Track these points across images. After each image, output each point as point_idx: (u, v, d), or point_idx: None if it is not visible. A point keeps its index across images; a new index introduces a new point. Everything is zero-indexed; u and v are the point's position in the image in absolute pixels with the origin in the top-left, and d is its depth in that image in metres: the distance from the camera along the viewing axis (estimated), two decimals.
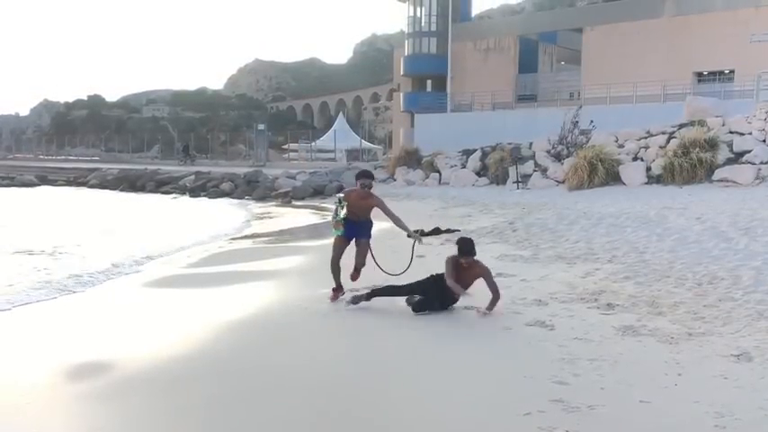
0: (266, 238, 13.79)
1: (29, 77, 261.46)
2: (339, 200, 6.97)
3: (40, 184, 34.62)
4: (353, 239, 7.11)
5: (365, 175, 7.14)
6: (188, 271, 9.79)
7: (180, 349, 5.61)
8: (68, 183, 35.79)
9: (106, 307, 7.48)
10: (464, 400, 4.28)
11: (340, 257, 7.06)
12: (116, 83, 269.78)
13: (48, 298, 7.79)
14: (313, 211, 20.48)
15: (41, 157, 61.80)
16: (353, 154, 49.60)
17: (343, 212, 6.89)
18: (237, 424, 3.99)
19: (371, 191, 7.06)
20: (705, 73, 33.35)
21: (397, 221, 7.10)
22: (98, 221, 17.28)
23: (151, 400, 4.44)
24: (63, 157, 59.19)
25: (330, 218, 7.02)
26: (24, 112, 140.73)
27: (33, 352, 5.60)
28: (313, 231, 14.75)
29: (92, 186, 33.60)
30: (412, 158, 26.90)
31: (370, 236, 7.19)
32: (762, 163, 15.57)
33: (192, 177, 30.67)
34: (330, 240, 7.39)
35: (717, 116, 18.12)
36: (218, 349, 5.58)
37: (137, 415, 4.21)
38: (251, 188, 27.27)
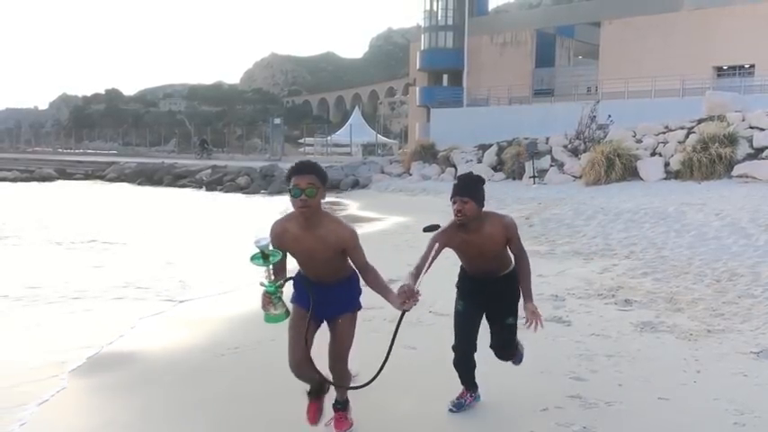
0: None
1: (48, 72, 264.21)
2: (262, 251, 3.20)
3: (59, 178, 34.93)
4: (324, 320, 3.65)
5: (303, 170, 3.29)
6: None
7: (200, 341, 5.65)
8: (86, 176, 36.09)
9: None
10: (481, 395, 4.27)
11: (307, 350, 3.50)
12: (133, 77, 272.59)
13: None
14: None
15: (60, 150, 62.35)
16: (369, 148, 49.66)
17: (270, 280, 3.28)
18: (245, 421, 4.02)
19: (318, 203, 3.29)
20: (725, 67, 32.96)
21: (375, 284, 3.44)
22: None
23: (170, 391, 4.49)
24: (81, 151, 59.74)
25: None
26: (43, 105, 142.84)
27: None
28: None
29: (109, 180, 33.87)
30: (428, 153, 26.84)
31: (357, 305, 3.67)
32: None
33: (209, 171, 30.82)
34: None
35: (736, 111, 17.91)
36: (236, 343, 5.61)
37: (154, 406, 4.26)
38: (267, 182, 27.36)
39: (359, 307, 3.67)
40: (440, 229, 3.78)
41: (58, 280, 8.40)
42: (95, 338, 5.76)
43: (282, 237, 3.37)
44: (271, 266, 3.21)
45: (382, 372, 3.47)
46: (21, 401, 4.32)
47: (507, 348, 4.03)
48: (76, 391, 4.59)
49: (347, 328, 3.62)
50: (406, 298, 3.25)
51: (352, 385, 3.68)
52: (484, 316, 3.97)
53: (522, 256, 3.87)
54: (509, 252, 3.92)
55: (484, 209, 3.81)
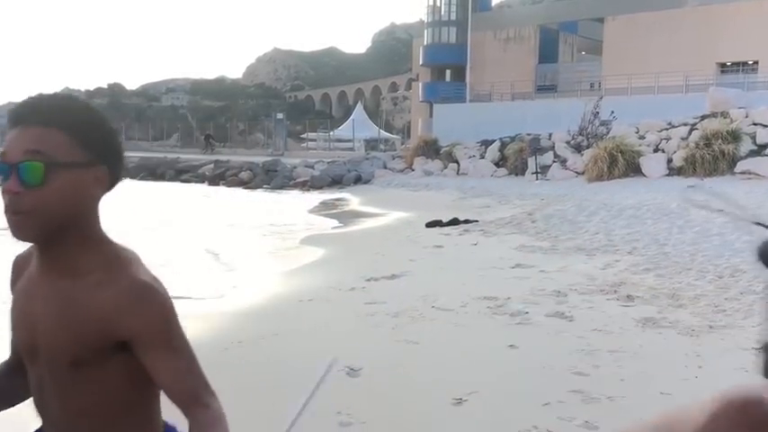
0: None
1: (50, 65, 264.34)
2: None
3: None
4: None
5: (25, 118, 1.18)
6: None
7: (203, 335, 5.67)
8: None
9: None
10: (483, 389, 4.29)
11: None
12: (136, 71, 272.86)
13: None
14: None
15: None
16: (371, 144, 49.68)
17: None
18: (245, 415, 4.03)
19: (58, 205, 1.20)
20: (728, 64, 32.89)
21: None
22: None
23: None
24: None
25: None
26: None
27: None
28: None
29: None
30: (430, 149, 26.88)
31: None
32: None
33: (212, 166, 30.87)
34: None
35: (740, 108, 17.91)
36: (240, 338, 5.63)
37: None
38: (269, 177, 27.40)
39: None
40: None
41: None
42: None
43: (16, 278, 1.43)
44: None
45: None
46: None
47: None
48: None
49: None
50: None
51: None
52: None
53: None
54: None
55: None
